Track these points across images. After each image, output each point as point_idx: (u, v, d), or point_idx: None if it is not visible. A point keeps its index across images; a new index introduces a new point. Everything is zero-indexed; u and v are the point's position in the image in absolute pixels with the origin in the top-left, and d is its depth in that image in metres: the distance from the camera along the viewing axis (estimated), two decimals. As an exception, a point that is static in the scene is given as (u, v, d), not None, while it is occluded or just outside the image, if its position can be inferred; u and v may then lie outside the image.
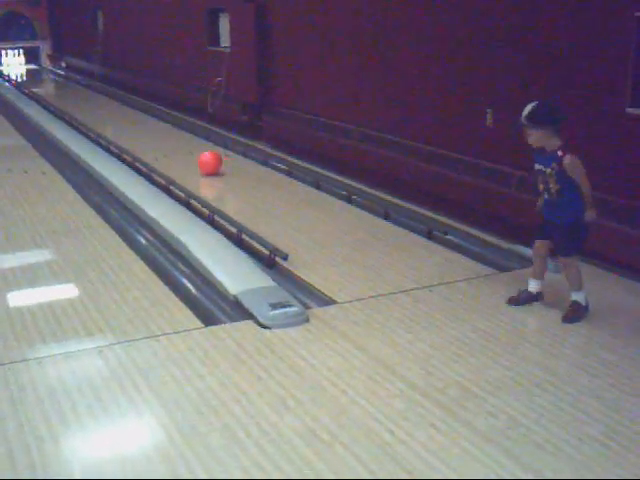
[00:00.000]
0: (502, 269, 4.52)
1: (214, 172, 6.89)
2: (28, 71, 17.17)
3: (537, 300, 3.94)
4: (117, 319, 3.86)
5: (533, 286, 3.94)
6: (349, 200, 5.97)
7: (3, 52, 17.57)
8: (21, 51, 17.75)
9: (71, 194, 6.38)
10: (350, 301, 4.05)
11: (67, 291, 4.34)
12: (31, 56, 17.75)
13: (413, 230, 5.24)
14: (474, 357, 3.41)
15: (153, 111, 10.65)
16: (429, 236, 5.10)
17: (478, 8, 5.40)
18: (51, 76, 16.51)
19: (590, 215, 3.69)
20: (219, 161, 6.97)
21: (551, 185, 3.71)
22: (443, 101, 5.81)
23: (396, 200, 5.78)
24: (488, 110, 5.40)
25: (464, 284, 4.28)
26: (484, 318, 3.81)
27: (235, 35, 8.98)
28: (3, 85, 14.00)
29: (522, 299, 3.95)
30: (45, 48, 17.60)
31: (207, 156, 6.98)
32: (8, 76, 15.42)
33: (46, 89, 15.05)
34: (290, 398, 3.07)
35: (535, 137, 3.69)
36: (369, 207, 5.76)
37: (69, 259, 4.81)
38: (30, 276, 4.57)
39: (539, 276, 3.93)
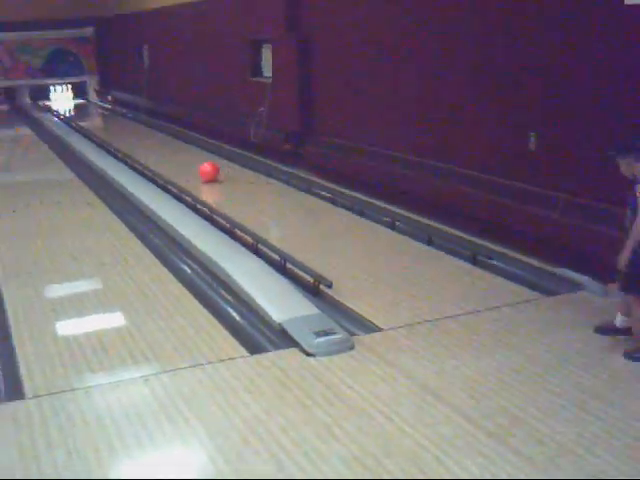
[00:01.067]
0: (548, 293, 4.46)
1: (213, 179, 7.91)
2: (76, 105, 17.51)
3: (624, 334, 3.79)
4: (163, 348, 3.88)
5: (620, 321, 3.85)
6: (393, 226, 5.95)
7: (52, 87, 17.94)
8: (69, 86, 18.11)
9: (117, 224, 6.46)
10: (395, 327, 4.03)
11: (114, 320, 4.38)
12: (79, 91, 18.10)
13: (457, 255, 5.20)
14: (522, 383, 3.36)
15: (197, 141, 10.77)
16: (473, 261, 5.06)
17: (519, 34, 5.39)
18: (98, 110, 16.82)
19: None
20: (217, 170, 7.99)
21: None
22: (485, 126, 5.78)
23: (440, 225, 5.75)
24: (531, 134, 5.36)
25: (510, 309, 4.23)
26: (531, 343, 3.76)
27: (277, 66, 9.06)
28: (52, 119, 14.27)
29: (607, 331, 3.86)
30: (92, 83, 17.93)
31: (206, 166, 8.00)
32: (57, 111, 15.73)
33: (93, 122, 15.33)
34: (336, 426, 3.05)
35: (624, 166, 3.66)
36: (413, 233, 5.73)
37: (115, 288, 4.86)
38: (78, 306, 4.63)
39: (625, 311, 3.82)
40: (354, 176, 7.38)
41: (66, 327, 4.34)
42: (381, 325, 4.07)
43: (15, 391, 3.51)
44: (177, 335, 4.02)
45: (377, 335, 3.97)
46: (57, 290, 5.02)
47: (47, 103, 17.24)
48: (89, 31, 17.63)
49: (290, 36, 8.54)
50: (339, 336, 3.82)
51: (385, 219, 6.10)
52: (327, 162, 8.03)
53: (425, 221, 5.89)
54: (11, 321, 4.35)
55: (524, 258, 4.96)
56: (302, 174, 8.05)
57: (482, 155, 5.84)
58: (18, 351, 3.92)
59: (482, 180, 5.75)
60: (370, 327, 4.08)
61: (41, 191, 7.98)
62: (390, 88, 6.95)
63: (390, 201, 6.49)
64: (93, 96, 17.91)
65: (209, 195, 7.17)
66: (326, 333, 3.82)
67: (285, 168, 8.36)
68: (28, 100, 17.46)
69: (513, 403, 3.17)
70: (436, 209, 6.04)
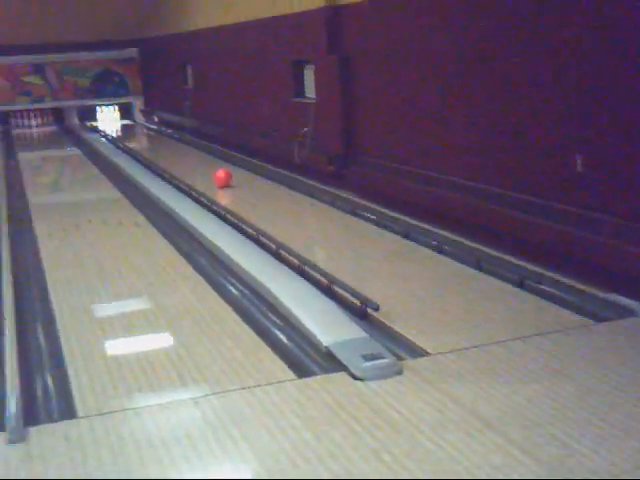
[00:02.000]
0: (599, 319, 4.40)
1: (227, 185, 8.91)
2: (122, 126, 17.75)
3: None
4: (211, 370, 3.91)
5: None
6: (440, 250, 5.93)
7: (99, 108, 18.18)
8: (116, 107, 18.34)
9: (163, 244, 6.54)
10: (443, 352, 4.00)
11: (162, 341, 4.43)
12: (125, 112, 18.34)
13: (505, 279, 5.16)
14: (573, 412, 3.31)
15: (241, 162, 10.85)
16: (522, 285, 5.01)
17: (566, 54, 5.36)
18: (144, 130, 17.04)
19: None
20: (230, 176, 9.00)
21: None
22: (532, 147, 5.75)
23: (487, 249, 5.71)
24: (578, 156, 5.31)
25: (560, 335, 4.19)
26: (582, 371, 3.71)
27: (320, 86, 9.12)
28: (99, 140, 14.49)
29: None
30: (138, 104, 18.18)
31: (220, 172, 9.01)
32: (104, 131, 15.95)
33: (139, 143, 15.55)
34: (385, 452, 3.03)
35: None
36: (460, 257, 5.70)
37: (163, 309, 4.91)
38: (126, 325, 4.69)
39: None
40: (399, 198, 7.37)
41: (115, 347, 4.39)
42: (429, 349, 4.05)
43: (67, 410, 3.56)
44: (225, 357, 4.05)
45: (425, 360, 3.95)
46: (106, 309, 5.09)
47: (94, 124, 17.48)
48: (134, 52, 17.87)
49: (332, 56, 8.59)
50: (387, 360, 3.81)
51: (432, 242, 6.08)
52: (371, 184, 8.03)
53: (473, 244, 5.86)
54: (62, 340, 4.42)
55: (573, 283, 4.90)
56: (346, 196, 8.06)
57: (530, 177, 5.80)
58: (69, 370, 3.98)
59: (531, 203, 5.70)
60: (418, 351, 4.06)
61: (89, 211, 8.10)
62: (436, 107, 6.94)
63: (437, 224, 6.46)
64: (139, 117, 18.15)
65: (254, 216, 7.21)
66: (374, 357, 3.81)
67: (329, 189, 8.38)
68: (76, 121, 17.73)
69: (565, 432, 3.13)
70: (484, 232, 6.00)
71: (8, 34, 16.67)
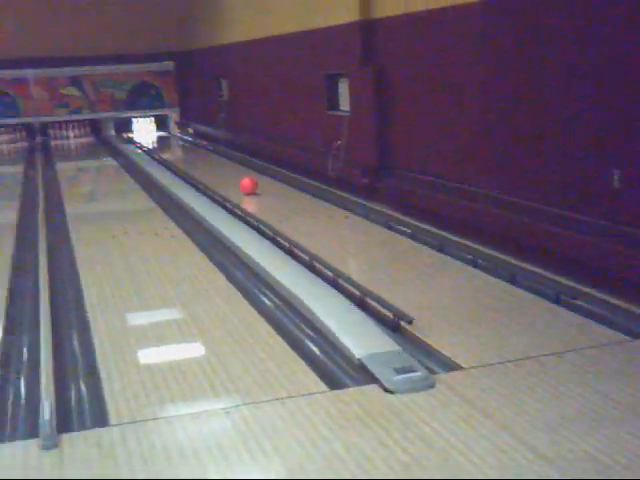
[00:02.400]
0: (635, 335, 4.35)
1: (252, 192, 9.39)
2: (158, 138, 17.92)
3: None
4: (243, 380, 3.92)
5: None
6: (474, 264, 5.90)
7: (135, 120, 18.37)
8: (151, 119, 18.53)
9: (198, 255, 6.57)
10: (476, 367, 3.98)
11: (195, 351, 4.45)
12: (161, 123, 18.52)
13: (540, 294, 5.12)
14: (608, 429, 3.27)
15: (275, 174, 10.89)
16: (557, 300, 4.97)
17: (604, 68, 5.32)
18: (179, 142, 17.18)
19: None
20: (255, 184, 9.48)
21: None
22: (568, 161, 5.70)
23: (522, 264, 5.68)
24: (616, 171, 5.26)
25: (595, 351, 4.14)
26: (618, 388, 3.66)
27: (354, 99, 9.13)
28: (135, 151, 14.63)
29: None
30: (173, 116, 18.34)
31: (246, 181, 9.53)
32: (140, 143, 16.11)
33: (174, 154, 15.68)
34: (415, 465, 3.02)
35: None
36: (494, 271, 5.67)
37: (196, 319, 4.94)
38: (160, 334, 4.72)
39: None
40: (434, 212, 7.34)
41: (149, 356, 4.43)
42: (462, 364, 4.03)
43: (100, 418, 3.59)
44: (257, 368, 4.06)
45: (458, 374, 3.93)
46: (140, 319, 5.13)
47: (130, 135, 17.68)
48: (170, 65, 18.05)
49: (366, 69, 8.60)
50: (419, 374, 3.80)
51: (467, 256, 6.05)
52: (405, 197, 8.02)
53: (508, 259, 5.82)
54: (96, 348, 4.46)
55: (610, 299, 4.84)
56: (380, 208, 8.06)
57: (566, 191, 5.76)
58: (103, 378, 4.01)
59: (566, 218, 5.65)
60: (451, 365, 4.04)
61: (125, 221, 8.18)
62: (471, 121, 6.92)
63: (471, 237, 6.44)
64: (174, 129, 18.32)
65: (288, 228, 7.23)
66: (406, 370, 3.80)
67: (363, 202, 8.38)
68: (112, 132, 17.93)
69: (598, 449, 3.09)
70: (519, 246, 5.96)
71: (47, 47, 16.94)
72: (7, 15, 16.62)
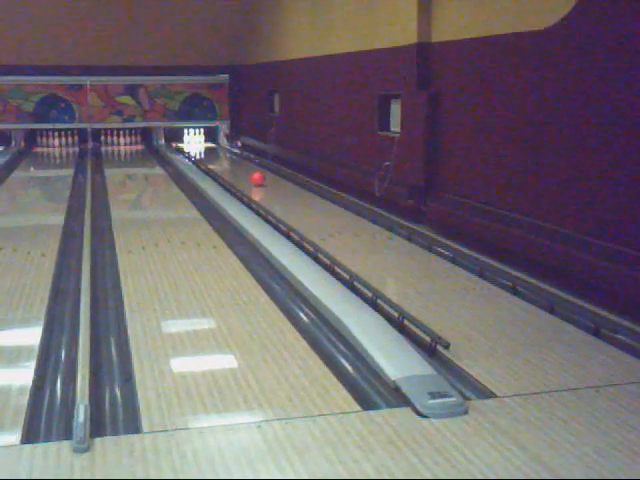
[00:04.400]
0: (676, 374, 4.27)
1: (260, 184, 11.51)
2: (207, 149, 18.10)
3: None
4: (276, 395, 3.92)
5: None
6: (514, 291, 5.85)
7: (186, 131, 18.59)
8: (202, 130, 18.73)
9: (239, 268, 6.60)
10: (511, 396, 3.94)
11: (230, 362, 4.46)
12: (210, 135, 18.71)
13: (580, 326, 5.06)
14: (643, 467, 3.22)
15: (322, 191, 10.93)
16: (597, 333, 4.90)
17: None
18: (227, 154, 17.33)
19: None
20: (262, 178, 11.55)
21: None
22: (614, 193, 5.64)
23: (562, 294, 5.61)
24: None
25: (634, 387, 4.07)
26: (655, 426, 3.61)
27: (406, 121, 9.14)
28: (183, 161, 14.79)
29: None
30: (223, 128, 18.52)
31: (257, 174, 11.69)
32: (188, 153, 16.29)
33: (222, 166, 15.80)
34: (445, 491, 3.00)
35: None
36: (534, 300, 5.62)
37: (233, 331, 4.96)
38: (196, 344, 4.75)
39: None
40: (476, 237, 7.31)
41: (184, 365, 4.46)
42: (496, 392, 3.99)
43: (133, 424, 3.62)
44: (291, 384, 4.06)
45: (492, 402, 3.89)
46: (177, 327, 5.17)
47: (180, 145, 17.89)
48: (224, 78, 18.24)
49: (420, 92, 8.61)
50: (453, 399, 3.77)
51: (507, 283, 6.00)
52: (450, 220, 7.99)
53: (548, 288, 5.76)
54: (133, 354, 4.50)
55: (651, 335, 4.77)
56: (423, 231, 8.03)
57: (611, 224, 5.69)
58: (138, 385, 4.04)
59: (610, 250, 5.58)
60: (485, 393, 4.01)
61: (168, 230, 8.26)
62: (518, 149, 6.88)
63: (512, 265, 6.39)
64: (223, 141, 18.49)
65: (331, 246, 7.25)
66: (441, 395, 3.78)
67: (407, 224, 8.37)
68: (163, 142, 18.15)
69: (633, 487, 3.04)
70: (561, 276, 5.90)
71: (105, 56, 17.26)
72: (67, 23, 16.97)
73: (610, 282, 5.51)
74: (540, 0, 6.58)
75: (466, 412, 3.71)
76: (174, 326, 5.19)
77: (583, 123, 6.02)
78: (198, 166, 13.94)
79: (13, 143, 17.34)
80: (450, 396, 3.79)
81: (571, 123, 6.16)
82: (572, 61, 6.15)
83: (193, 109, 18.29)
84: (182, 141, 18.47)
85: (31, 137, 17.64)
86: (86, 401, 3.66)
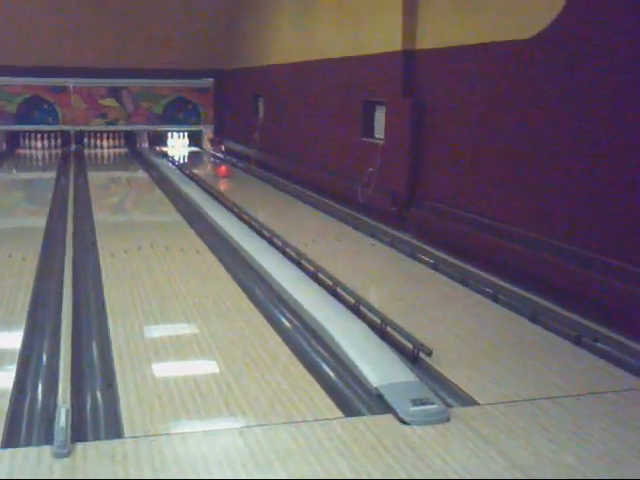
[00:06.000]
0: (656, 383, 4.31)
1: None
2: (190, 153, 18.07)
3: None
4: (258, 401, 3.92)
5: None
6: (495, 299, 5.87)
7: (169, 134, 18.57)
8: (185, 134, 18.70)
9: (222, 274, 6.59)
10: (493, 403, 3.96)
11: (212, 368, 4.46)
12: (194, 139, 18.69)
13: (561, 334, 5.09)
14: (623, 475, 3.23)
15: (305, 197, 10.93)
16: (578, 342, 4.93)
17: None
18: (210, 159, 17.30)
19: None
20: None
21: None
22: (601, 202, 5.68)
23: (544, 302, 5.65)
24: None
25: (615, 396, 4.10)
26: (636, 434, 3.63)
27: (390, 128, 9.17)
28: (167, 165, 14.76)
29: None
30: (207, 132, 18.50)
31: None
32: (172, 157, 16.26)
33: (205, 170, 15.76)
34: (426, 499, 3.01)
35: None
36: (515, 307, 5.65)
37: (216, 337, 4.95)
38: (178, 349, 4.73)
39: None
40: (458, 244, 7.34)
41: (166, 370, 4.45)
42: (478, 399, 4.01)
43: (114, 429, 3.60)
44: (274, 390, 4.06)
45: (474, 409, 3.91)
46: (160, 332, 5.15)
47: (164, 149, 17.85)
48: (209, 82, 18.22)
49: (405, 100, 8.64)
50: (436, 406, 3.78)
51: (488, 290, 6.03)
52: (432, 227, 8.02)
53: (529, 296, 5.79)
54: (115, 359, 4.49)
55: (632, 344, 4.80)
56: (406, 238, 8.06)
57: (593, 233, 5.73)
58: (120, 390, 4.03)
59: (591, 259, 5.62)
60: (467, 400, 4.02)
61: (151, 234, 8.23)
62: (501, 157, 6.92)
63: (494, 273, 6.42)
64: (207, 145, 18.47)
65: (314, 252, 7.24)
66: (423, 402, 3.79)
67: (390, 230, 8.39)
68: (146, 145, 18.12)
69: (613, 495, 3.06)
70: (542, 285, 5.94)
71: (89, 58, 17.18)
72: (51, 25, 16.87)
73: (591, 290, 5.55)
74: (525, 9, 6.62)
75: (448, 419, 3.72)
76: (156, 331, 5.18)
77: (568, 131, 6.07)
78: (182, 170, 13.92)
79: (-5, 145, 17.26)
80: (432, 403, 3.81)
81: (556, 131, 6.21)
82: (557, 70, 6.19)
83: (177, 113, 18.26)
84: (166, 145, 18.43)
85: (14, 139, 17.53)
86: (67, 406, 3.65)
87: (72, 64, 17.12)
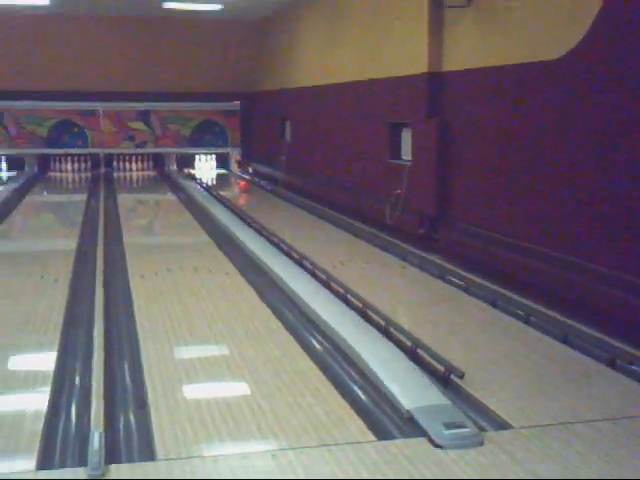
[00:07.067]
0: (693, 407, 4.24)
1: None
2: (218, 175, 18.17)
3: None
4: (291, 424, 3.91)
5: None
6: (526, 321, 5.83)
7: (197, 157, 18.71)
8: (213, 156, 18.82)
9: (251, 295, 6.61)
10: (526, 427, 3.91)
11: (243, 390, 4.46)
12: (221, 161, 18.80)
13: (594, 357, 5.03)
14: (661, 501, 3.19)
15: (333, 219, 10.94)
16: (612, 364, 4.88)
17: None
18: (238, 180, 17.38)
19: None
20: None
21: None
22: (630, 222, 5.63)
23: (577, 324, 5.59)
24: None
25: (651, 420, 4.05)
26: (673, 459, 3.58)
27: (417, 149, 9.17)
28: (195, 187, 14.85)
29: None
30: (234, 154, 18.61)
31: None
32: (200, 179, 16.36)
33: (232, 192, 15.84)
34: (461, 524, 2.98)
35: None
36: (548, 330, 5.59)
37: (246, 358, 4.95)
38: (209, 371, 4.75)
39: None
40: (489, 266, 7.30)
41: (197, 392, 4.46)
42: (512, 423, 3.97)
43: (147, 451, 3.61)
44: (305, 413, 4.05)
45: (507, 433, 3.87)
46: (190, 354, 5.17)
47: (191, 171, 17.97)
48: (236, 105, 18.35)
49: (431, 121, 8.65)
50: (469, 430, 3.75)
51: (519, 312, 5.99)
52: (462, 249, 8.00)
53: (561, 318, 5.74)
54: (147, 381, 4.50)
55: (667, 366, 4.75)
56: (435, 259, 8.03)
57: (626, 251, 5.68)
58: (152, 412, 4.04)
59: (626, 281, 5.57)
60: (500, 424, 3.99)
61: (180, 255, 8.28)
62: (530, 180, 6.89)
63: (526, 295, 6.37)
64: (234, 167, 18.57)
65: (343, 274, 7.24)
66: (456, 425, 3.76)
67: (419, 252, 8.37)
68: (174, 167, 18.25)
69: (651, 521, 3.01)
70: (574, 307, 5.88)
71: (118, 82, 17.42)
72: (83, 52, 17.18)
73: (625, 312, 5.49)
74: (551, 30, 6.62)
75: (482, 443, 3.68)
76: (187, 352, 5.20)
77: (596, 154, 6.03)
78: (209, 192, 13.99)
79: (27, 168, 17.47)
80: (465, 427, 3.77)
81: (584, 153, 6.18)
82: (584, 90, 6.18)
83: (205, 135, 18.40)
84: (193, 167, 18.56)
85: (45, 162, 17.75)
86: (101, 428, 3.66)
87: (101, 88, 17.36)
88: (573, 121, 6.32)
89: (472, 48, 8.02)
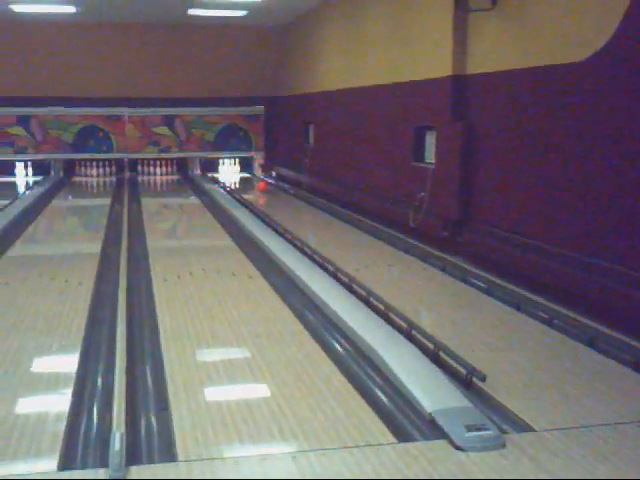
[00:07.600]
0: None
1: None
2: (241, 179, 18.23)
3: None
4: (312, 426, 3.90)
5: None
6: (550, 324, 5.78)
7: (221, 161, 18.79)
8: (237, 160, 18.90)
9: (274, 298, 6.61)
10: (549, 429, 3.88)
11: (264, 392, 4.46)
12: (245, 165, 18.86)
13: (620, 360, 4.98)
14: (686, 505, 3.15)
15: (356, 222, 10.93)
16: (637, 368, 4.82)
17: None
18: (260, 183, 17.42)
19: None
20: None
21: None
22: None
23: (601, 328, 5.54)
24: None
25: (677, 423, 4.00)
26: (698, 463, 3.53)
27: (441, 152, 9.14)
28: (218, 191, 14.89)
29: None
30: (258, 158, 18.66)
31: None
32: (223, 183, 16.41)
33: (256, 196, 15.88)
34: (482, 526, 2.95)
35: None
36: (572, 333, 5.55)
37: (268, 361, 4.95)
38: (231, 373, 4.75)
39: None
40: (512, 268, 7.26)
41: (219, 394, 4.46)
42: (534, 425, 3.94)
43: (168, 453, 3.62)
44: (326, 415, 4.04)
45: (530, 435, 3.84)
46: (212, 356, 5.18)
47: (215, 175, 18.05)
48: (260, 109, 18.39)
49: (455, 124, 8.62)
50: (491, 432, 3.72)
51: (543, 315, 5.94)
52: (485, 251, 7.95)
53: (586, 321, 5.69)
54: (168, 383, 4.52)
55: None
56: (458, 262, 7.99)
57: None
58: (173, 413, 4.05)
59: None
60: (523, 426, 3.95)
61: (203, 258, 8.31)
62: (554, 184, 6.85)
63: (549, 297, 6.32)
64: (258, 171, 18.61)
65: (365, 276, 7.23)
66: (478, 428, 3.73)
67: (442, 255, 8.33)
68: (198, 171, 18.33)
69: (676, 525, 2.97)
70: (599, 310, 5.83)
71: (143, 89, 17.57)
72: (108, 58, 17.36)
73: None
74: (577, 32, 6.57)
75: (504, 446, 3.66)
76: (209, 355, 5.21)
77: (621, 156, 5.98)
78: (233, 196, 14.03)
79: (52, 173, 17.63)
80: (487, 429, 3.75)
81: (610, 156, 6.12)
82: (610, 92, 6.12)
83: (229, 140, 18.45)
84: (217, 171, 18.63)
85: (70, 167, 17.91)
86: (122, 429, 3.67)
87: (127, 94, 17.50)
88: (602, 123, 6.26)
89: (497, 51, 7.98)
